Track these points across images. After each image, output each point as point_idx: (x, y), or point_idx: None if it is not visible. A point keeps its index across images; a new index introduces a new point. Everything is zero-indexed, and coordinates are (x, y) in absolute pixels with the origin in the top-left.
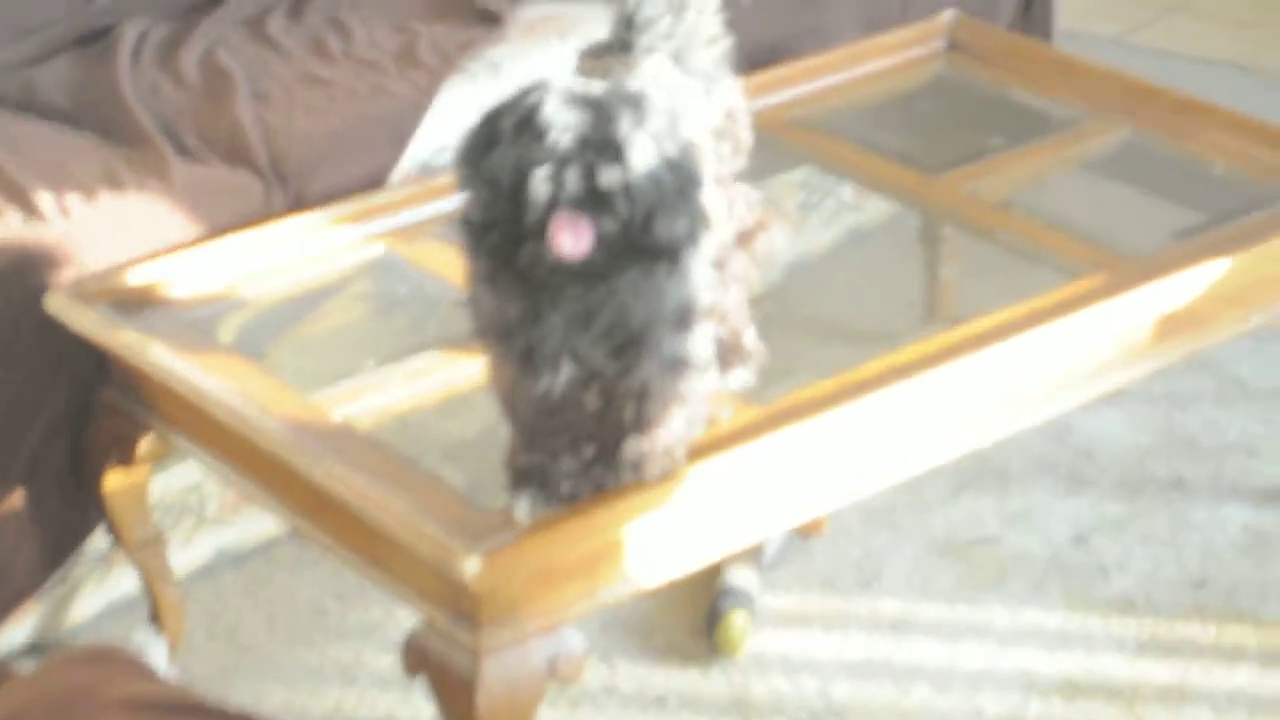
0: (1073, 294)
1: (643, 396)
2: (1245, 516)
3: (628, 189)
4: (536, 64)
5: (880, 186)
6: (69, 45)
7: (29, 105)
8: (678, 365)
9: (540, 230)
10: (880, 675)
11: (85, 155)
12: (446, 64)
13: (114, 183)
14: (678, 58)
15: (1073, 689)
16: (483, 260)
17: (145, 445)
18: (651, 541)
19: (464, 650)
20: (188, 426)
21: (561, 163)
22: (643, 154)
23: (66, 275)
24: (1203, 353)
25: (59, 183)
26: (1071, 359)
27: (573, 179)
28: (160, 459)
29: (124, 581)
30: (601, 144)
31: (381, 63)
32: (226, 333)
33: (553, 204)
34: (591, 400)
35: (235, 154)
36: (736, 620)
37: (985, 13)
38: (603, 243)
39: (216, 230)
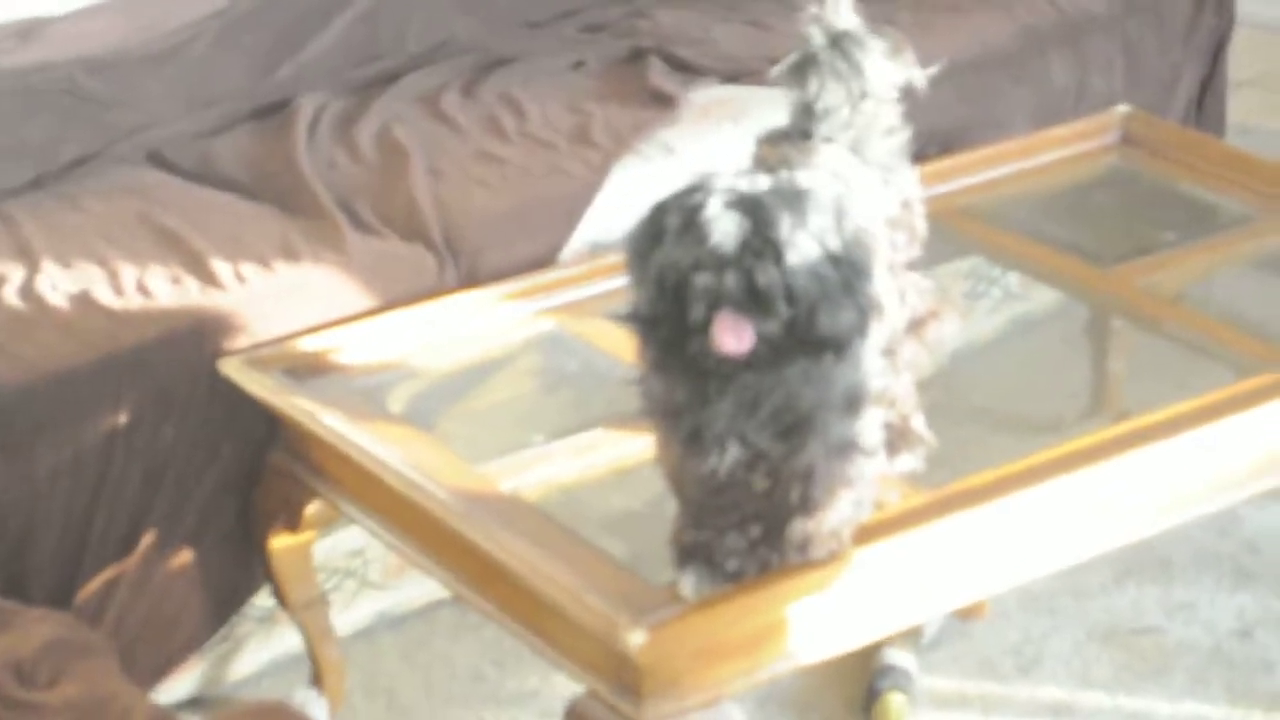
0: (1243, 390)
1: (809, 479)
2: None
3: (788, 290)
4: (710, 147)
5: (1050, 278)
6: (247, 118)
7: (207, 176)
8: (845, 449)
9: (704, 328)
10: None
11: (262, 226)
12: (620, 144)
13: (290, 253)
14: (855, 147)
15: None
16: (651, 350)
17: (312, 509)
18: (814, 620)
19: None
20: (356, 492)
21: (721, 266)
22: (802, 254)
23: (241, 342)
24: None
25: (236, 252)
26: (1240, 455)
27: (732, 281)
28: (327, 523)
29: (286, 640)
30: (761, 246)
31: (555, 142)
32: (396, 403)
33: (714, 305)
34: (759, 481)
35: (410, 229)
36: (894, 700)
37: (1158, 107)
38: (765, 340)
39: (389, 303)
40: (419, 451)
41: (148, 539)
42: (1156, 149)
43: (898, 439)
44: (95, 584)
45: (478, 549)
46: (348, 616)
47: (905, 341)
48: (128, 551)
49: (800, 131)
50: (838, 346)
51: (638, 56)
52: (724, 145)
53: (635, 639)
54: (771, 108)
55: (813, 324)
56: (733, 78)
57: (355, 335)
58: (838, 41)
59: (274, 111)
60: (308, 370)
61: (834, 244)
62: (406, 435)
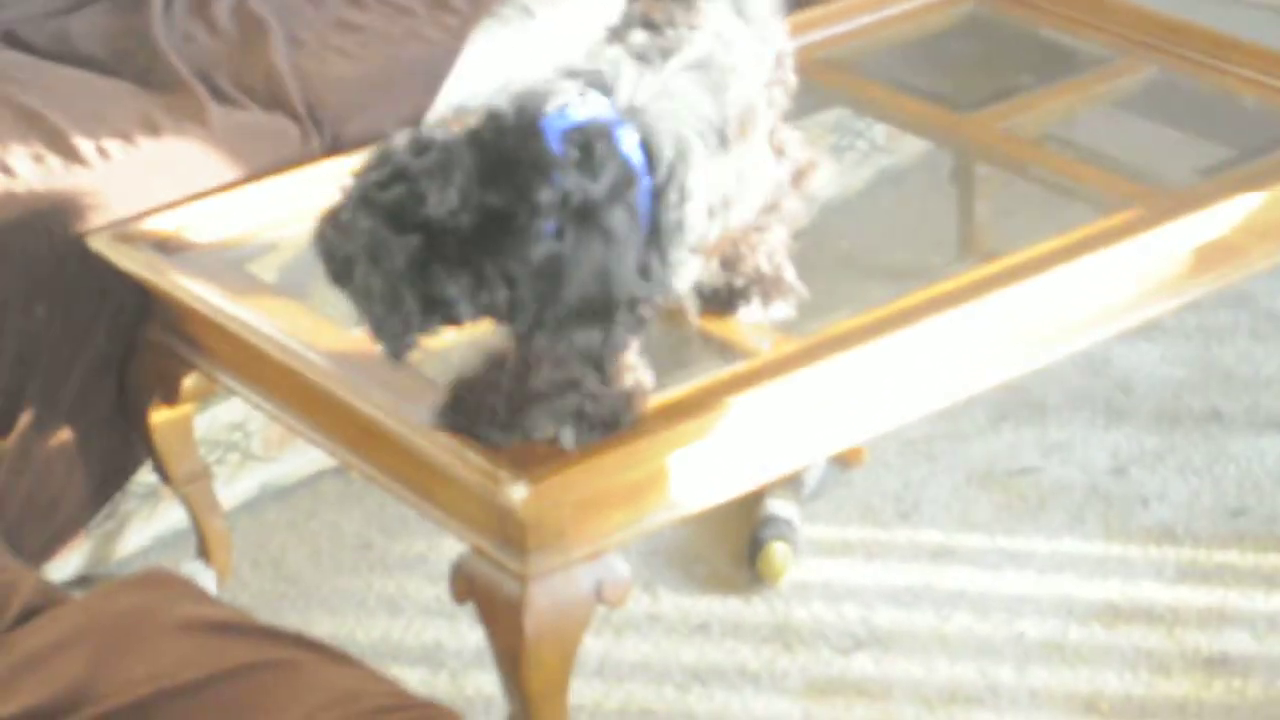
0: (1109, 227)
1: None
2: None
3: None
4: (568, 8)
5: (913, 126)
6: None
7: (64, 54)
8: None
9: None
10: (921, 602)
11: (122, 102)
12: (478, 7)
13: (152, 128)
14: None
15: (1113, 614)
16: None
17: (190, 382)
18: (694, 469)
19: (512, 576)
20: (233, 363)
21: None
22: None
23: (107, 218)
24: (1237, 287)
25: (97, 128)
26: (1108, 291)
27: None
28: (205, 396)
29: (171, 516)
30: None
31: (413, 8)
32: (268, 273)
33: None
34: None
35: (271, 99)
36: (778, 549)
37: None
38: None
39: (254, 174)
40: (293, 319)
41: (24, 419)
42: None
43: (771, 288)
44: None
45: (358, 413)
46: (232, 490)
47: (788, 194)
48: (5, 433)
49: None
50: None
51: None
52: (582, 5)
53: (517, 493)
54: None
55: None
56: None
57: (222, 206)
58: None
59: None
60: (177, 244)
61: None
62: (280, 304)
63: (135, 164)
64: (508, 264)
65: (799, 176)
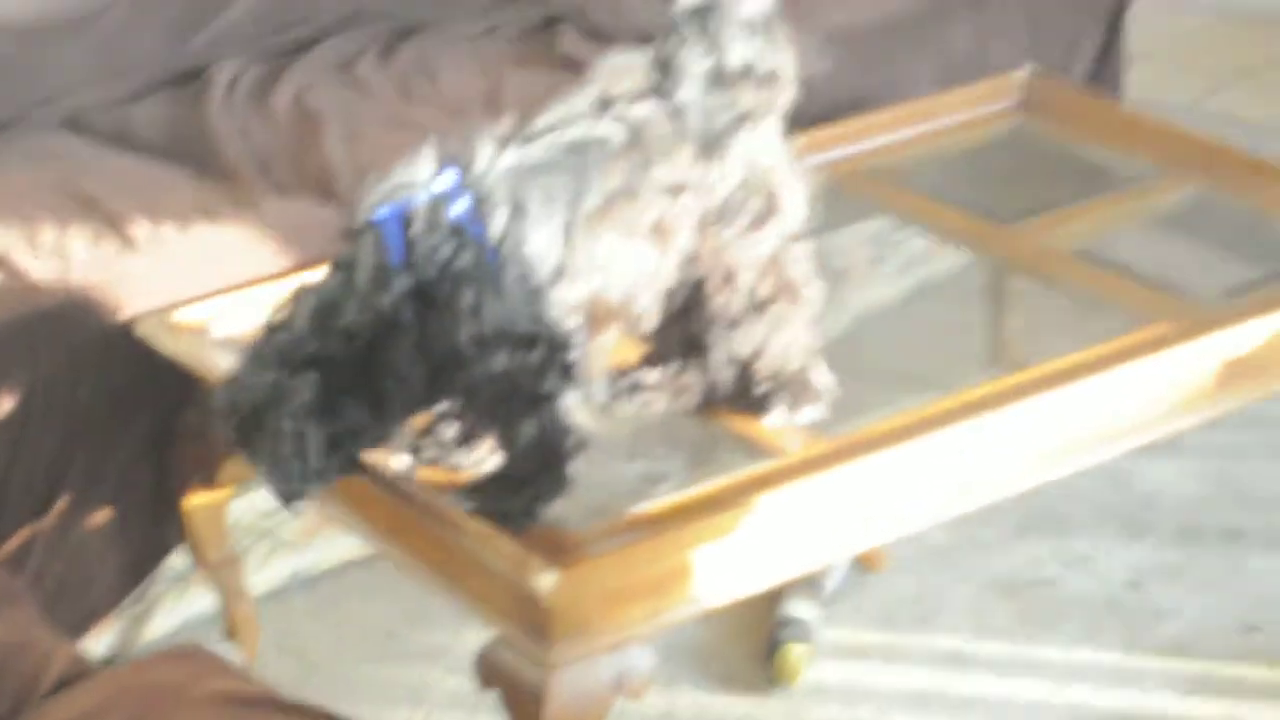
0: (1139, 340)
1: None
2: None
3: None
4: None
5: (952, 236)
6: (163, 84)
7: (124, 141)
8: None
9: None
10: (936, 708)
11: (179, 189)
12: (531, 108)
13: (206, 215)
14: (680, 112)
15: None
16: None
17: (228, 468)
18: (718, 565)
19: (535, 664)
20: None
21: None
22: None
23: (157, 303)
24: (1255, 407)
25: (153, 214)
26: (1134, 405)
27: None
28: (241, 482)
29: (199, 601)
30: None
31: (468, 107)
32: None
33: None
34: None
35: (324, 191)
36: (795, 650)
37: (1059, 70)
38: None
39: (305, 264)
40: None
41: (65, 499)
42: (1057, 111)
43: (798, 392)
44: (12, 544)
45: (390, 499)
46: (261, 577)
47: (778, 302)
48: (45, 511)
49: (654, 86)
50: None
51: (550, 23)
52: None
53: (546, 581)
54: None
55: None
56: (644, 42)
57: (268, 295)
58: (702, 11)
59: (189, 79)
60: (223, 330)
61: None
62: None
63: (188, 251)
64: (396, 367)
65: (787, 288)
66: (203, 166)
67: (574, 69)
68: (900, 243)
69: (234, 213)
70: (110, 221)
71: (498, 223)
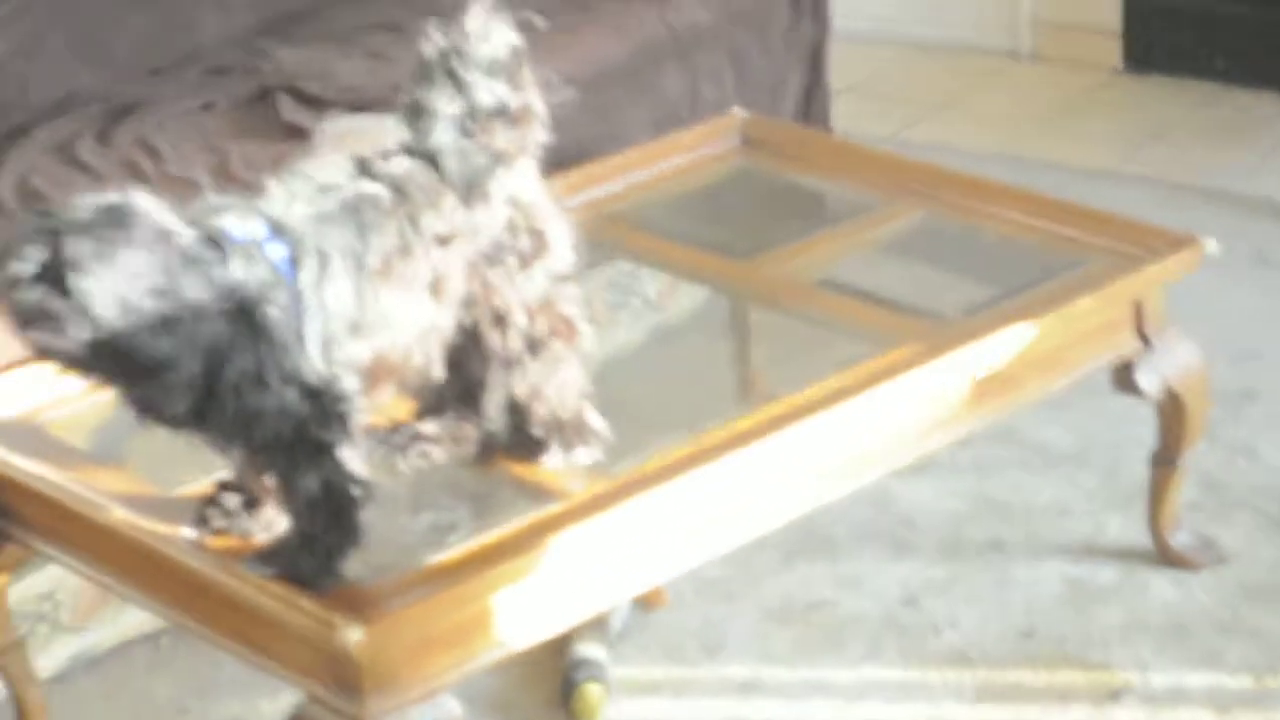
0: (888, 362)
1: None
2: (1064, 570)
3: (82, 311)
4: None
5: (691, 274)
6: None
7: None
8: (294, 452)
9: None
10: None
11: None
12: (261, 176)
13: None
14: (438, 156)
15: None
16: None
17: (5, 553)
18: (518, 608)
19: None
20: (52, 532)
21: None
22: (96, 282)
23: None
24: (1005, 423)
25: None
26: (893, 424)
27: (28, 300)
28: (19, 565)
29: None
30: (54, 271)
31: (198, 179)
32: (81, 439)
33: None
34: None
35: None
36: (592, 690)
37: (767, 114)
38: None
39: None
40: (110, 481)
41: None
42: (775, 148)
43: (572, 435)
44: None
45: (184, 570)
46: (43, 661)
47: (553, 341)
48: None
49: (412, 134)
50: (154, 371)
51: (265, 94)
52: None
53: (353, 636)
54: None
55: (126, 344)
56: (359, 107)
57: (24, 379)
58: (445, 56)
59: None
60: None
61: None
62: (95, 468)
63: None
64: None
65: (562, 326)
66: None
67: (297, 136)
68: (633, 287)
69: None
70: None
71: (308, 272)
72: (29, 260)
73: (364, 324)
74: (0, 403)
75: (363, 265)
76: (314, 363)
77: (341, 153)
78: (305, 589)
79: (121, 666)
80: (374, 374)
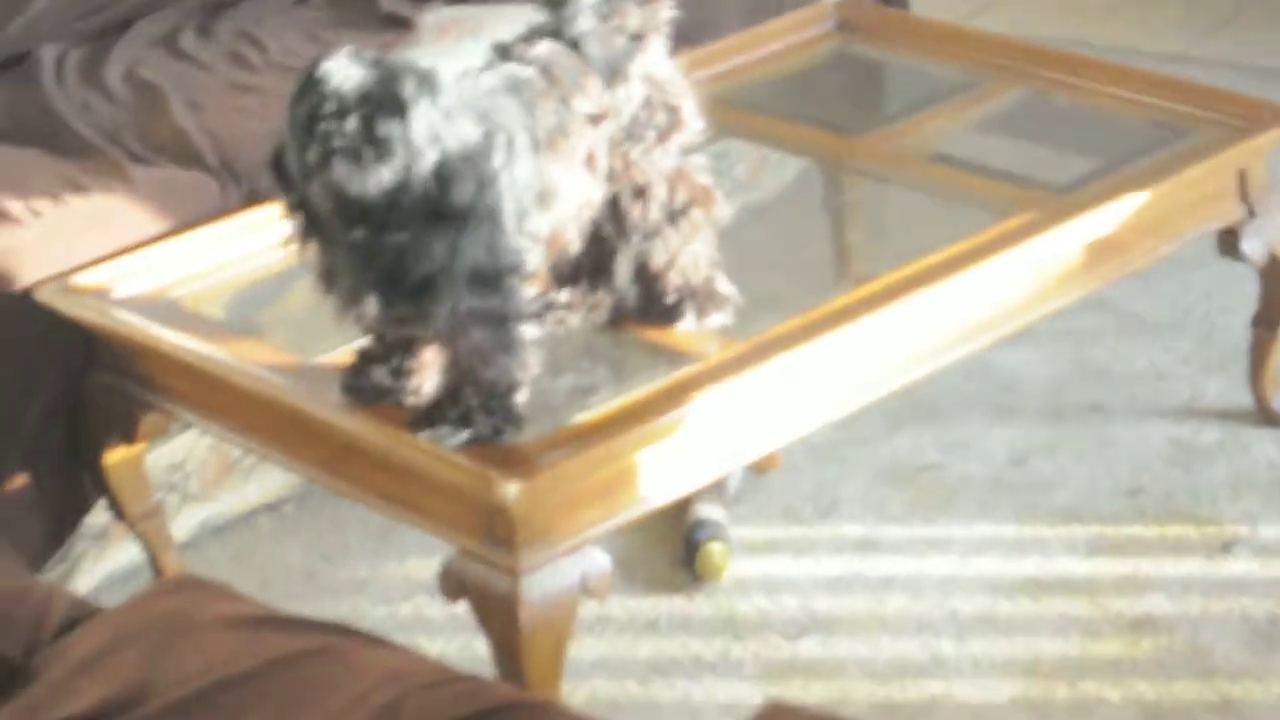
0: (1006, 230)
1: (455, 345)
2: (1166, 431)
3: (407, 143)
4: (454, 63)
5: (800, 152)
6: None
7: None
8: (483, 319)
9: (320, 170)
10: (855, 589)
11: (39, 167)
12: None
13: (76, 187)
14: (580, 42)
15: (1036, 587)
16: (293, 210)
17: (146, 422)
18: (661, 465)
19: (504, 572)
20: (195, 399)
21: (341, 111)
22: (423, 115)
23: (45, 273)
24: (1097, 294)
25: (22, 191)
26: (1006, 292)
27: (352, 124)
28: (158, 435)
29: (120, 556)
30: (382, 98)
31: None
32: (214, 313)
33: (329, 148)
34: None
35: (185, 156)
36: (715, 549)
37: None
38: (379, 191)
39: (179, 226)
40: (251, 350)
41: None
42: (871, 31)
43: (704, 300)
44: None
45: (335, 432)
46: (173, 529)
47: (692, 210)
48: None
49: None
50: (452, 215)
51: None
52: (467, 61)
53: (510, 490)
54: (505, 22)
55: (430, 187)
56: None
57: (159, 256)
58: None
59: (14, 64)
60: (120, 292)
61: (455, 119)
62: (234, 338)
63: (66, 220)
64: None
65: (701, 196)
66: (51, 145)
67: (397, 25)
68: (724, 171)
69: (101, 183)
70: None
71: (500, 152)
72: (346, 96)
73: (544, 197)
74: (135, 278)
75: (536, 141)
76: (510, 233)
77: (444, 42)
78: (490, 442)
79: (249, 533)
80: (550, 245)
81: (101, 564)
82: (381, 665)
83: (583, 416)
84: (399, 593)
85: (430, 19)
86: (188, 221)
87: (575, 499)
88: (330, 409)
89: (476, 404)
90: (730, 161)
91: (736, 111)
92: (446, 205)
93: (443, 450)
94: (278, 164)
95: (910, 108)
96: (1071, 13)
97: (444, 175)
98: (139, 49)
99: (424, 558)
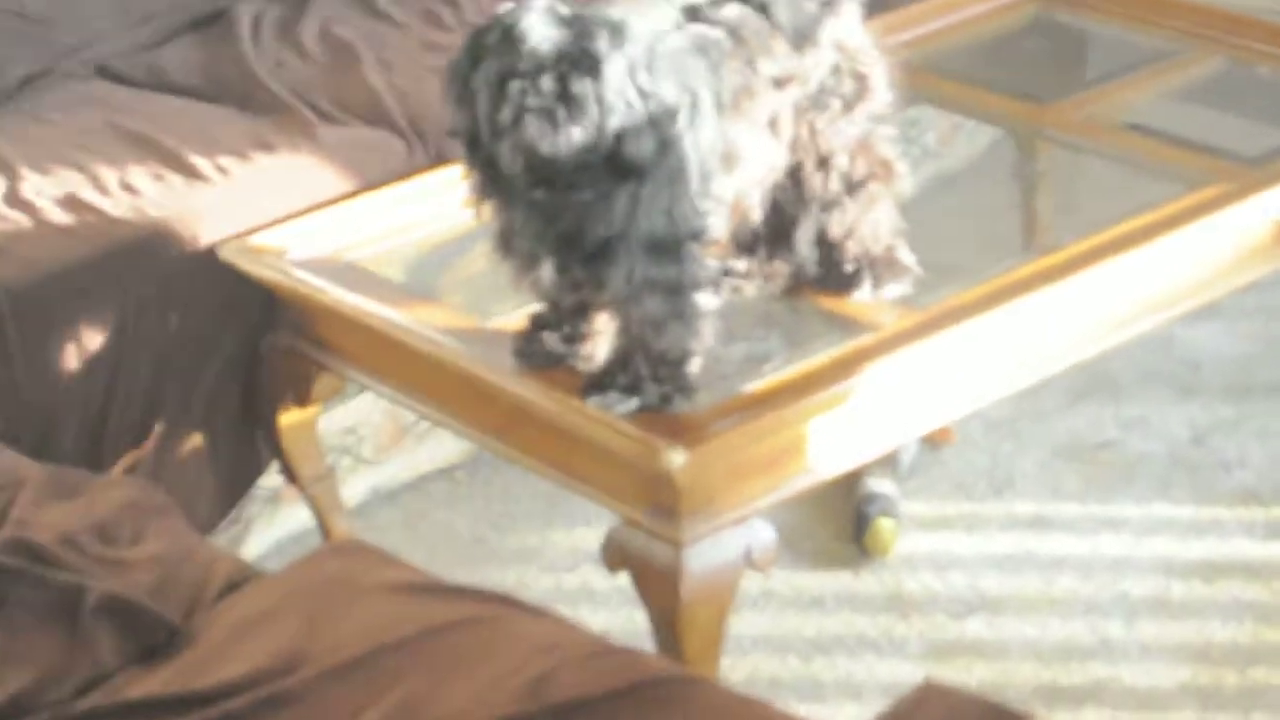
0: (1197, 201)
1: (628, 312)
2: None
3: (600, 101)
4: (647, 10)
5: (992, 118)
6: (186, 28)
7: (162, 85)
8: (659, 286)
9: (512, 130)
10: (1025, 568)
11: (230, 125)
12: None
13: (264, 146)
14: (763, 8)
15: (1211, 570)
16: (476, 169)
17: (320, 383)
18: (830, 436)
19: (666, 542)
20: (371, 362)
21: (537, 70)
22: (616, 72)
23: (231, 230)
24: None
25: (211, 149)
26: (1201, 262)
27: (547, 83)
28: (333, 396)
29: (291, 519)
30: (578, 56)
31: None
32: (392, 275)
33: (524, 106)
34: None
35: (373, 115)
36: (885, 524)
37: None
38: (570, 150)
39: (365, 186)
40: (429, 314)
41: (159, 426)
42: None
43: (883, 270)
44: (113, 473)
45: (506, 396)
46: (345, 493)
47: (871, 181)
48: (142, 440)
49: None
50: (637, 175)
51: None
52: (658, 8)
53: (676, 460)
54: None
55: (617, 144)
56: None
57: (340, 217)
58: None
59: (211, 22)
60: (302, 252)
61: (645, 77)
62: (412, 301)
63: (253, 179)
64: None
65: (883, 167)
66: (244, 102)
67: None
68: (914, 139)
69: (288, 142)
70: (170, 156)
71: (684, 114)
72: (543, 54)
73: (728, 159)
74: (311, 240)
75: (722, 102)
76: (694, 197)
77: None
78: (660, 410)
79: (419, 499)
80: (733, 211)
81: (273, 528)
82: (538, 636)
83: (754, 385)
84: (566, 562)
85: None
86: (374, 182)
87: (742, 469)
88: (502, 373)
89: (647, 372)
90: (922, 129)
91: (931, 77)
92: (630, 164)
93: (610, 417)
94: (460, 120)
95: (1107, 75)
96: None
97: (629, 134)
98: (335, 7)
99: (593, 527)
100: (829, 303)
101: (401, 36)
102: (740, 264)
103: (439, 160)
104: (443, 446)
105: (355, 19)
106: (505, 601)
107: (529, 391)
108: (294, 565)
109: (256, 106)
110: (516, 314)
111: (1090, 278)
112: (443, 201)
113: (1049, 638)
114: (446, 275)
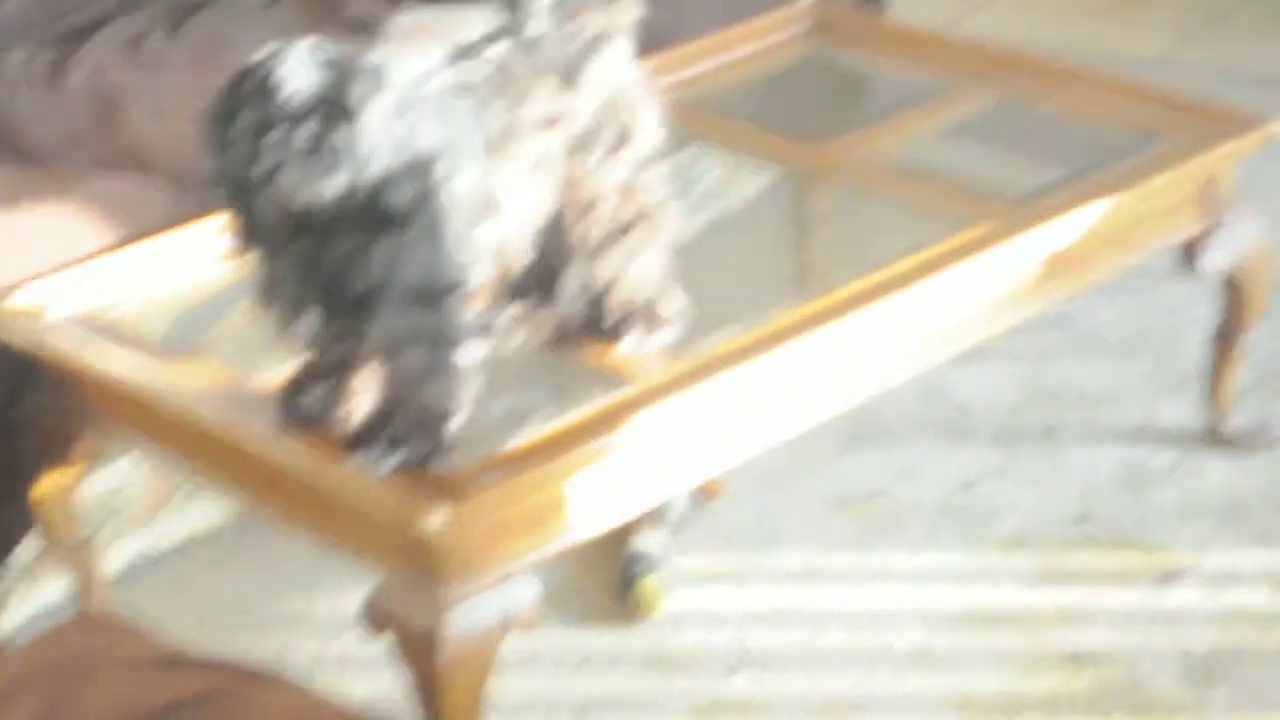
0: (963, 242)
1: (392, 364)
2: (1118, 455)
3: (356, 149)
4: (413, 63)
5: (763, 159)
6: None
7: None
8: (421, 338)
9: (269, 179)
10: (792, 622)
11: None
12: None
13: (25, 197)
14: (531, 47)
15: (976, 619)
16: (238, 218)
17: (82, 446)
18: (593, 493)
19: (427, 604)
20: (131, 423)
21: (293, 119)
22: (373, 119)
23: None
24: (1057, 310)
25: None
26: (963, 305)
27: (303, 133)
28: (95, 459)
29: (50, 590)
30: (334, 104)
31: None
32: (154, 330)
33: (281, 158)
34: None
35: (139, 165)
36: (651, 582)
37: None
38: (327, 200)
39: (135, 236)
40: (189, 374)
41: None
42: (846, 35)
43: (650, 318)
44: None
45: (264, 459)
46: (108, 559)
47: (634, 230)
48: None
49: (504, 27)
50: (395, 222)
51: None
52: (427, 47)
53: (434, 520)
54: (477, 26)
55: (375, 193)
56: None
57: (103, 270)
58: None
59: None
60: (61, 310)
61: (403, 122)
62: (173, 359)
63: (10, 234)
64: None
65: (644, 215)
66: (4, 152)
67: (366, 30)
68: (695, 179)
69: (53, 193)
70: None
71: (444, 160)
72: (297, 99)
73: (490, 205)
74: (70, 296)
75: (487, 145)
76: (453, 247)
77: (412, 44)
78: (420, 468)
79: (185, 564)
80: (498, 256)
81: (28, 601)
82: (283, 709)
83: (515, 443)
84: (332, 627)
85: (402, 21)
86: (142, 232)
87: (502, 528)
88: (257, 435)
89: (408, 428)
90: (701, 169)
91: (708, 117)
92: (388, 213)
93: (367, 478)
94: (219, 169)
95: (880, 114)
96: (1063, 14)
97: (387, 183)
98: (105, 53)
99: (360, 592)
100: (595, 353)
101: (174, 82)
102: (506, 313)
103: (205, 209)
104: (209, 510)
105: (124, 65)
106: (256, 676)
107: (283, 454)
108: (35, 642)
109: (18, 156)
110: (280, 370)
111: (854, 321)
112: (208, 252)
113: (815, 693)
114: (212, 330)
